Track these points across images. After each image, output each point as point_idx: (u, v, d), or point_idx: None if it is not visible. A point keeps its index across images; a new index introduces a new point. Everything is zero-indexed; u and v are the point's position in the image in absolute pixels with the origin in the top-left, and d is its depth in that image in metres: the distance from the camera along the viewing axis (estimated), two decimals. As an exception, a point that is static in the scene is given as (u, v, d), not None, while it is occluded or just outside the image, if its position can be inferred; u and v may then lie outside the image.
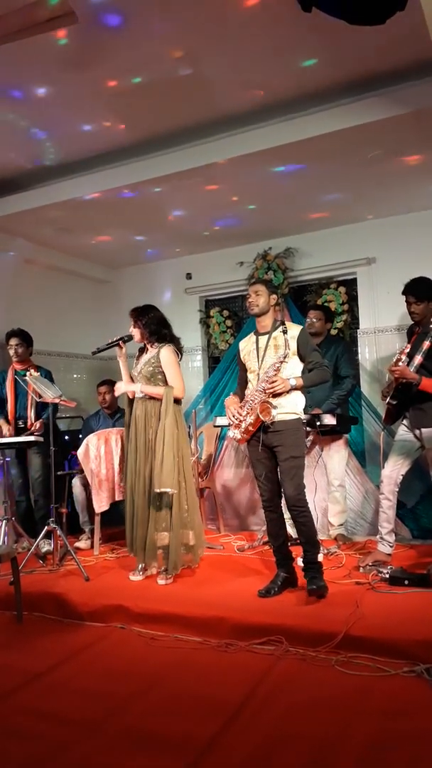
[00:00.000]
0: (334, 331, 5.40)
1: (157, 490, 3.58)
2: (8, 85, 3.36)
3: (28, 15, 2.70)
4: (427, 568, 3.46)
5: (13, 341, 4.79)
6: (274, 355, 3.32)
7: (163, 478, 3.55)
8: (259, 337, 3.45)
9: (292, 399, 3.33)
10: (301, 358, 3.36)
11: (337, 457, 4.52)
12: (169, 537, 3.64)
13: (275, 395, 3.27)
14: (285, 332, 3.29)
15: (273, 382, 3.25)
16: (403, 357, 3.58)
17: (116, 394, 3.97)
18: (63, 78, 3.32)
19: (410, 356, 3.63)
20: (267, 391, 3.26)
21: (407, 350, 3.65)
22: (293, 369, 3.33)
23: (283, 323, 3.36)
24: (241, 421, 3.36)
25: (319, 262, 5.54)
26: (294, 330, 3.37)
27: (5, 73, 3.24)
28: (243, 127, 3.94)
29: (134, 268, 6.52)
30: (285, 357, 3.28)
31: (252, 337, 3.51)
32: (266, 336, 3.40)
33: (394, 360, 3.61)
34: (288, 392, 3.29)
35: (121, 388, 3.86)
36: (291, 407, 3.32)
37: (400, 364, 3.55)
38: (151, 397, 3.74)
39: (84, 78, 3.33)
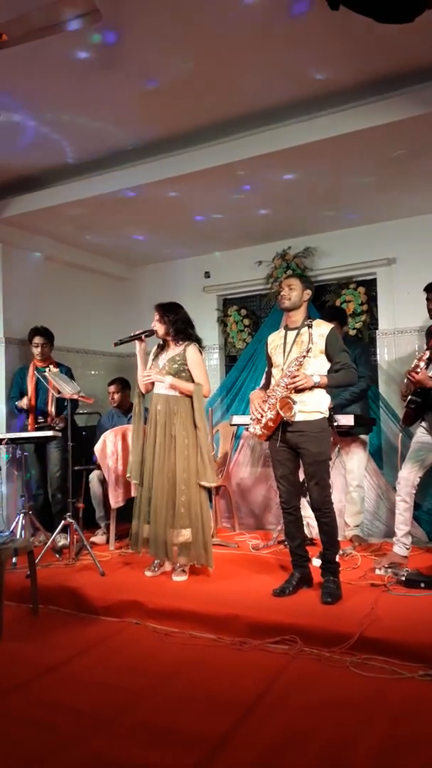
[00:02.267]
0: (352, 332, 5.37)
1: (205, 484, 3.69)
2: (31, 83, 3.39)
3: (52, 13, 2.72)
4: (444, 571, 3.44)
5: (38, 340, 4.85)
6: (299, 351, 3.26)
7: (208, 473, 3.68)
8: (288, 332, 3.39)
9: (316, 397, 3.26)
10: (329, 358, 3.29)
11: (356, 458, 4.50)
12: (191, 533, 3.64)
13: (297, 391, 3.21)
14: (310, 327, 3.23)
15: (295, 376, 3.19)
16: (422, 363, 3.54)
17: (145, 381, 3.80)
18: (85, 76, 3.33)
19: (429, 360, 3.59)
20: (288, 386, 3.20)
21: (426, 356, 3.60)
22: (319, 368, 3.26)
23: (310, 318, 3.31)
24: (262, 416, 3.31)
25: (339, 262, 5.51)
26: (324, 328, 3.31)
27: (26, 71, 3.27)
28: (264, 127, 3.92)
29: (153, 266, 6.54)
30: (308, 352, 3.21)
31: (281, 331, 3.46)
32: (295, 331, 3.35)
33: (413, 365, 3.57)
34: (311, 389, 3.22)
35: (153, 375, 3.75)
36: (315, 405, 3.25)
37: (419, 369, 3.51)
38: (175, 394, 3.73)
39: (106, 76, 3.35)
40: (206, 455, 3.70)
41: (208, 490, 3.83)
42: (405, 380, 3.73)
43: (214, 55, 3.20)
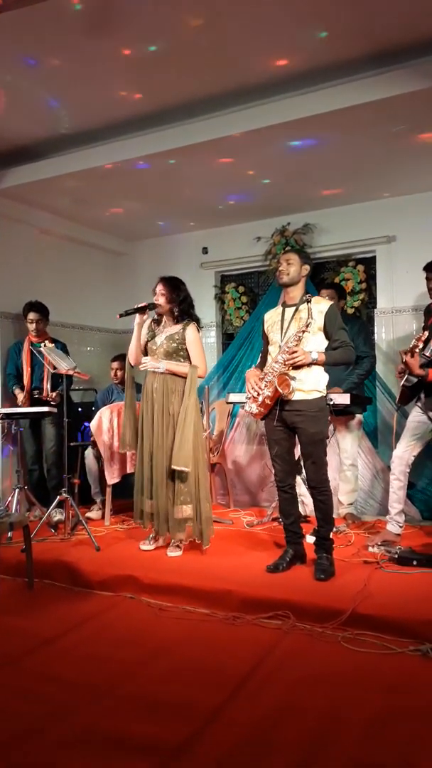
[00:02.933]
0: (350, 310, 5.34)
1: (175, 468, 3.58)
2: (24, 52, 3.30)
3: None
4: (436, 549, 3.47)
5: (33, 315, 4.81)
6: (299, 327, 3.22)
7: (182, 457, 3.57)
8: (286, 309, 3.34)
9: (314, 375, 3.22)
10: (327, 336, 3.25)
11: (350, 436, 4.51)
12: (192, 509, 3.66)
13: (295, 367, 3.17)
14: (309, 302, 3.18)
15: (293, 352, 3.15)
16: (420, 344, 3.52)
17: (141, 368, 3.80)
18: (79, 45, 3.24)
19: (426, 341, 3.58)
20: (287, 362, 3.16)
21: (425, 336, 3.57)
22: (318, 345, 3.22)
23: (308, 294, 3.26)
24: (258, 393, 3.28)
25: (338, 239, 5.45)
26: (323, 305, 3.26)
27: (21, 39, 3.17)
28: (262, 99, 3.84)
29: (150, 241, 6.47)
30: (307, 327, 3.15)
31: (279, 308, 3.41)
32: (293, 308, 3.30)
33: (411, 346, 3.55)
34: (309, 366, 3.18)
35: (148, 364, 3.73)
36: (313, 384, 3.21)
37: (416, 351, 3.48)
38: (172, 373, 3.71)
39: (101, 46, 3.26)
40: (186, 439, 3.60)
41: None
42: (402, 358, 3.72)
43: (213, 25, 3.11)
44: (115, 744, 1.88)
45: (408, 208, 5.20)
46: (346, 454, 4.51)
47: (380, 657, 2.43)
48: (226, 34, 3.19)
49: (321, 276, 5.58)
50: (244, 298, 6.00)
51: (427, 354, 3.51)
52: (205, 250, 6.15)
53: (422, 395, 3.70)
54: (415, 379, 3.61)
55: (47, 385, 4.74)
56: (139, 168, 4.50)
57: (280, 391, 3.14)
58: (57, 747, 1.87)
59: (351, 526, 4.27)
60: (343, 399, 4.08)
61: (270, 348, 3.37)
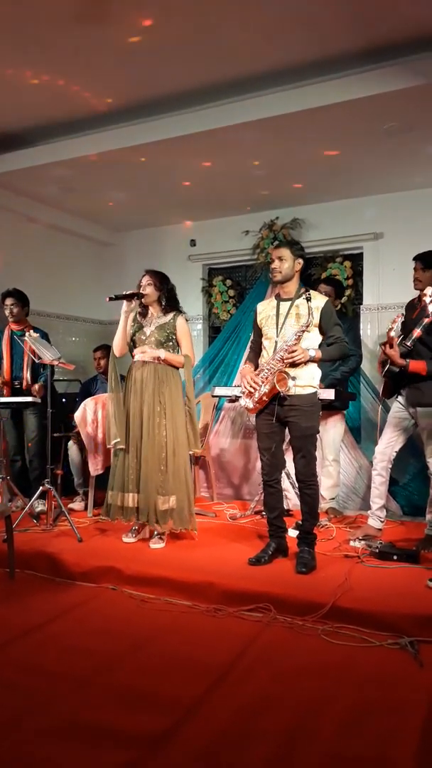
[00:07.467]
0: (337, 307, 5.36)
1: (191, 452, 3.84)
2: (16, 40, 3.25)
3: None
4: (416, 544, 3.51)
5: (9, 301, 4.74)
6: (296, 324, 3.20)
7: (197, 442, 3.81)
8: (281, 303, 3.31)
9: (309, 371, 3.23)
10: (322, 332, 3.24)
11: (333, 431, 4.53)
12: (176, 500, 3.68)
13: (293, 365, 3.17)
14: (309, 300, 3.16)
15: (293, 351, 3.14)
16: (393, 325, 3.42)
17: (140, 358, 3.74)
18: (71, 34, 3.20)
19: (407, 330, 3.54)
20: (285, 360, 3.16)
21: (396, 323, 3.48)
22: (312, 341, 3.22)
23: (308, 290, 3.24)
24: (255, 390, 3.27)
25: (326, 235, 5.47)
26: (319, 300, 3.24)
27: (13, 27, 3.13)
28: (254, 93, 3.84)
29: (138, 232, 6.44)
30: (308, 326, 3.16)
31: (272, 301, 3.37)
32: (289, 302, 3.28)
33: (386, 332, 3.48)
34: (305, 364, 3.19)
35: (148, 352, 3.69)
36: (308, 380, 3.22)
37: (391, 334, 3.42)
38: (167, 363, 3.72)
39: (92, 34, 3.22)
40: (196, 425, 3.80)
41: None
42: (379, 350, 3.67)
43: (201, 18, 3.09)
44: (96, 734, 1.88)
45: (396, 206, 5.23)
46: (329, 449, 4.54)
47: (359, 650, 2.46)
48: (220, 25, 3.17)
49: (308, 271, 5.59)
50: (231, 292, 6.00)
51: (408, 344, 3.49)
52: (193, 243, 6.14)
53: (403, 391, 3.71)
54: (396, 369, 3.58)
55: (27, 375, 4.69)
56: (129, 158, 4.47)
57: (279, 388, 3.13)
58: (37, 737, 1.87)
59: (333, 520, 4.30)
60: (327, 394, 4.10)
61: (264, 342, 3.35)
